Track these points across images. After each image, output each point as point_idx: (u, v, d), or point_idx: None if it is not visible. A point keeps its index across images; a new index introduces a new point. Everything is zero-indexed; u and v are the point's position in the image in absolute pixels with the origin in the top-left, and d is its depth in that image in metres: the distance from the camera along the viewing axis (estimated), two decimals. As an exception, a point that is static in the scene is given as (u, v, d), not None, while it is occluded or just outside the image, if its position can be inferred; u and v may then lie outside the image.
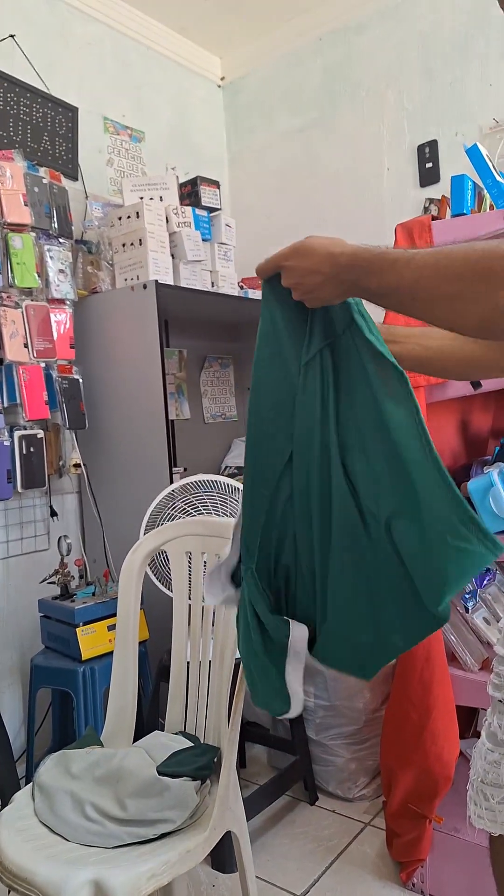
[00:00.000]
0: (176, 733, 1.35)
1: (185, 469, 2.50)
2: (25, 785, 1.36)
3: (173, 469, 2.10)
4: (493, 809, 1.02)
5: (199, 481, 1.83)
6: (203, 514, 1.79)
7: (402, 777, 1.51)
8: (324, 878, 1.62)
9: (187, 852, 1.08)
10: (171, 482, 2.03)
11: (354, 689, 1.91)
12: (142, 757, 1.21)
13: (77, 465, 2.20)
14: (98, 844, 1.08)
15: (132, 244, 2.23)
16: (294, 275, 0.84)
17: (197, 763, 1.20)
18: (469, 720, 1.78)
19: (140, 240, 2.18)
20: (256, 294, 2.48)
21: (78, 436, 2.22)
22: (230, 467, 2.79)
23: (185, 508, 1.82)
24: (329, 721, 1.93)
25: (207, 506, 1.83)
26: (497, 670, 1.03)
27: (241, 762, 2.12)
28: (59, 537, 1.99)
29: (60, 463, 2.24)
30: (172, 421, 2.62)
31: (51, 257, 2.16)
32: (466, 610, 1.53)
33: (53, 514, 2.22)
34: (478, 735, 1.08)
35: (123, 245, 2.25)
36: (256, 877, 1.46)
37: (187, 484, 1.83)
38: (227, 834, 1.21)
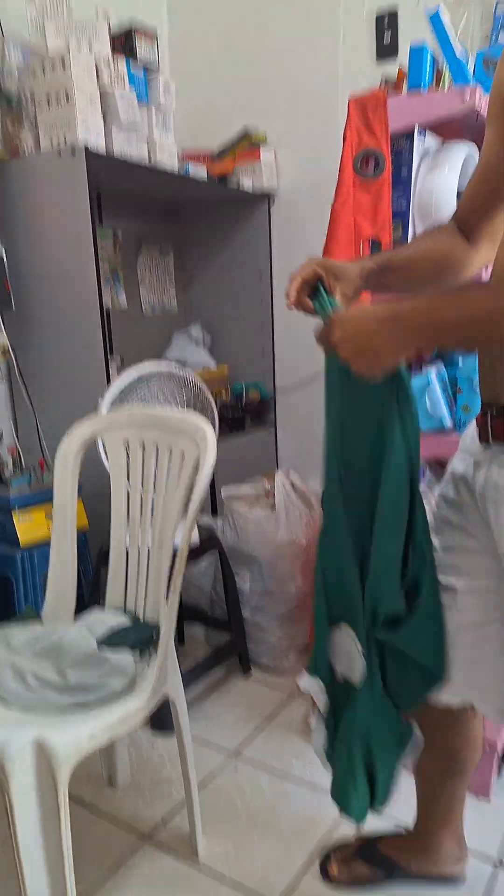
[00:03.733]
0: (115, 611, 1.45)
1: (123, 359, 2.50)
2: (-32, 662, 1.45)
3: (109, 359, 2.10)
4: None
5: (157, 373, 1.86)
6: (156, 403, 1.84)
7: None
8: (254, 739, 1.84)
9: (127, 715, 1.21)
10: (108, 373, 2.05)
11: (288, 575, 2.07)
12: (82, 632, 1.31)
13: (6, 351, 2.18)
14: (40, 709, 1.19)
15: (57, 100, 2.08)
16: (348, 347, 0.95)
17: (136, 637, 1.32)
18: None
19: (67, 94, 2.04)
20: (199, 171, 2.39)
21: (4, 319, 2.18)
22: (170, 362, 2.79)
23: (134, 397, 1.85)
24: (264, 603, 2.10)
25: (157, 396, 1.87)
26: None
27: (180, 639, 2.30)
28: (-9, 425, 2.01)
29: (-12, 348, 2.20)
30: (108, 310, 2.58)
31: (-34, 113, 2.01)
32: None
33: (-17, 401, 2.21)
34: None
35: (48, 100, 2.09)
36: (193, 738, 1.64)
37: (143, 375, 1.86)
38: (166, 700, 1.35)
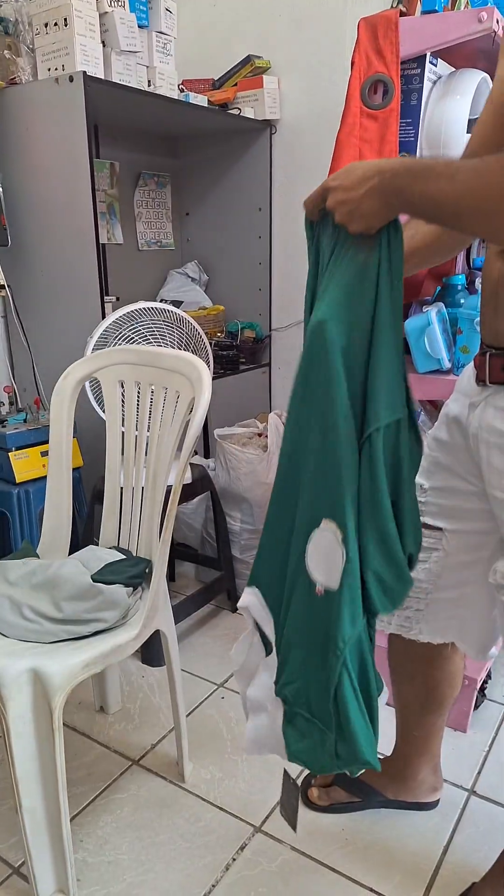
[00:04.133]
0: (110, 548, 1.46)
1: (118, 298, 2.44)
2: (-35, 592, 1.46)
3: (105, 298, 2.05)
4: (391, 613, 1.19)
5: (145, 308, 1.81)
6: (150, 343, 1.81)
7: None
8: (242, 671, 1.88)
9: (119, 646, 1.22)
10: (103, 311, 2.00)
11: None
12: (77, 566, 1.32)
13: (1, 287, 2.12)
14: (36, 640, 1.21)
15: (55, 24, 1.97)
16: (339, 192, 0.85)
17: (129, 572, 1.32)
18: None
19: (65, 19, 1.93)
20: (199, 100, 2.28)
21: (0, 254, 2.11)
22: (166, 301, 2.73)
23: (131, 337, 1.81)
24: (253, 542, 2.12)
25: (155, 335, 1.83)
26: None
27: (171, 577, 2.33)
28: (-14, 362, 1.97)
29: (-17, 283, 2.14)
30: (103, 245, 2.51)
31: (-40, 36, 1.90)
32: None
33: (-22, 337, 2.17)
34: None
35: (46, 25, 1.98)
36: (182, 670, 1.68)
37: (132, 311, 1.81)
38: (157, 633, 1.37)
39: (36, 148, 2.02)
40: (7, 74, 2.08)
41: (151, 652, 1.88)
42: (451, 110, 1.41)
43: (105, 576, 1.30)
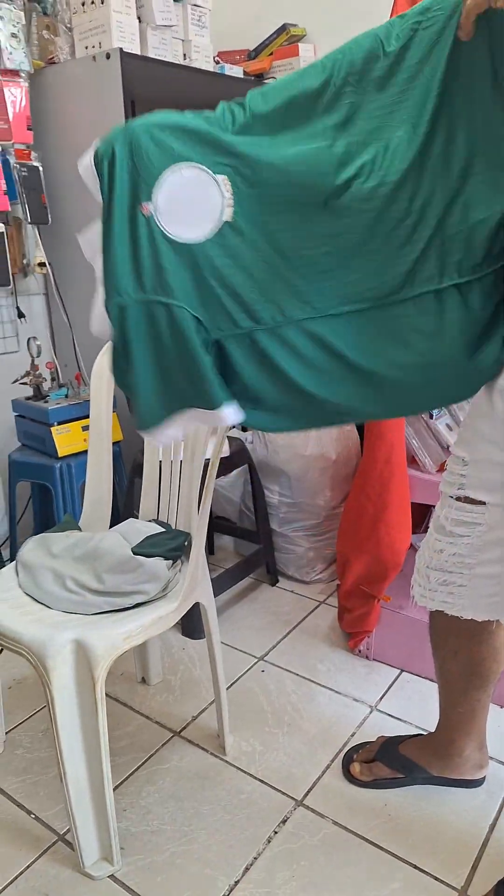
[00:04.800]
0: (150, 521, 1.42)
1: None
2: (9, 565, 1.44)
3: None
4: (433, 589, 1.12)
5: None
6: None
7: (355, 562, 1.65)
8: (281, 644, 1.83)
9: (159, 618, 1.18)
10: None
11: (317, 488, 2.01)
12: (118, 539, 1.28)
13: (42, 265, 2.08)
14: (78, 611, 1.18)
15: (92, 2, 1.91)
16: None
17: (169, 545, 1.28)
18: (423, 518, 1.91)
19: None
20: (234, 71, 2.19)
21: (41, 232, 2.07)
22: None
23: None
24: (292, 516, 2.06)
25: None
26: (450, 468, 1.08)
27: (210, 549, 2.29)
28: (28, 339, 1.94)
29: (24, 261, 2.10)
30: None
31: (0, 17, 1.85)
32: (431, 416, 1.57)
33: (21, 315, 2.14)
34: (427, 530, 1.15)
35: (83, 4, 1.93)
36: (222, 642, 1.63)
37: None
38: (196, 606, 1.32)
39: (74, 126, 1.96)
40: (46, 54, 2.03)
41: (192, 624, 1.84)
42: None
43: (145, 548, 1.25)
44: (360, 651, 1.76)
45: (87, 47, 1.94)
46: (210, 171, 0.80)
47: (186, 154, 0.80)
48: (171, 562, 1.26)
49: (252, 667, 1.73)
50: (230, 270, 0.83)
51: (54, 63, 2.00)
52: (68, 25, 2.00)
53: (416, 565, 1.16)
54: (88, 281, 2.05)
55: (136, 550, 1.24)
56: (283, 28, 2.30)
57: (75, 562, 1.26)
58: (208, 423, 0.93)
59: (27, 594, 1.23)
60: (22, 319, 2.15)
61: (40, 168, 1.99)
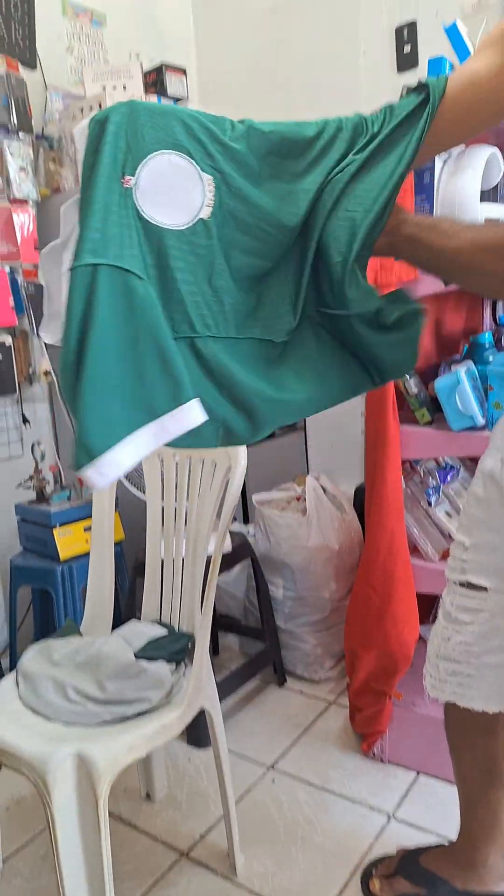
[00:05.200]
0: (152, 622, 1.39)
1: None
2: (9, 673, 1.40)
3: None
4: (443, 680, 1.09)
5: None
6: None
7: (364, 657, 1.60)
8: (291, 751, 1.74)
9: (163, 727, 1.14)
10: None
11: (321, 580, 1.98)
12: (119, 643, 1.25)
13: (47, 373, 2.15)
14: (80, 723, 1.13)
15: (95, 138, 2.09)
16: None
17: (172, 648, 1.25)
18: (430, 608, 1.88)
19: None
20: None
21: (46, 343, 2.16)
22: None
23: None
24: (297, 610, 2.01)
25: None
26: (452, 553, 1.08)
27: (214, 650, 2.22)
28: (33, 444, 1.98)
29: (30, 370, 2.18)
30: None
31: (11, 154, 2.02)
32: (430, 504, 1.58)
33: (25, 421, 2.19)
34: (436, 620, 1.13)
35: (86, 139, 2.11)
36: (229, 751, 1.55)
37: None
38: (202, 713, 1.28)
39: (77, 245, 2.09)
40: (52, 183, 2.20)
41: (197, 732, 1.76)
42: (464, 186, 1.41)
43: (148, 652, 1.23)
44: (374, 754, 1.67)
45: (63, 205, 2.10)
46: (198, 168, 0.80)
47: (181, 143, 0.79)
48: (174, 665, 1.22)
49: (262, 777, 1.64)
50: (190, 268, 0.81)
51: (60, 192, 2.17)
52: (73, 158, 2.17)
53: (427, 654, 1.14)
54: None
55: (139, 654, 1.21)
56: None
57: (77, 669, 1.23)
58: (169, 435, 0.78)
59: (27, 706, 1.19)
60: (26, 425, 2.20)
61: (45, 284, 2.11)
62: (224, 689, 1.79)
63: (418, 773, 1.61)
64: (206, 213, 0.81)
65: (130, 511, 1.92)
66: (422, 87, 0.86)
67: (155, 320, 0.76)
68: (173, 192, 0.79)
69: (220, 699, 1.37)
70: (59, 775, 1.03)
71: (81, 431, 0.73)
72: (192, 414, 0.78)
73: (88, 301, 0.73)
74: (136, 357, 0.75)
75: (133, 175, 0.76)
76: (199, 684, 1.22)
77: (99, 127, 0.76)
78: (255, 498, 2.14)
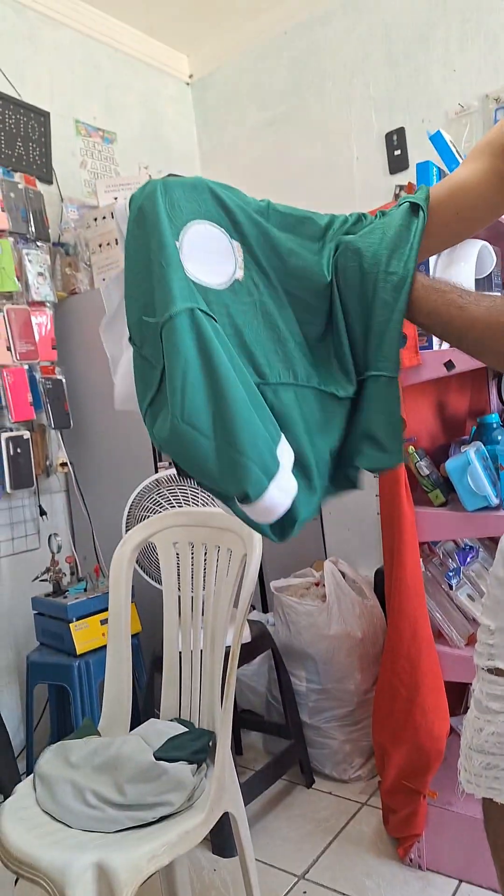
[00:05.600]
0: (171, 720, 1.36)
1: (171, 463, 2.51)
2: (25, 779, 1.37)
3: (159, 463, 2.11)
4: (478, 774, 1.04)
5: (172, 475, 1.84)
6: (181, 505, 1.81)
7: (394, 754, 1.54)
8: (323, 858, 1.65)
9: (186, 833, 1.10)
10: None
11: (346, 671, 1.93)
12: (139, 743, 1.22)
13: (64, 464, 2.21)
14: (99, 829, 1.10)
15: (108, 244, 2.24)
16: None
17: (193, 747, 1.22)
18: (461, 697, 1.82)
19: (116, 239, 2.20)
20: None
21: (63, 435, 2.23)
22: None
23: (159, 501, 1.83)
24: (322, 704, 1.95)
25: (180, 498, 1.84)
26: (479, 638, 1.06)
27: (238, 749, 2.14)
28: (50, 536, 2.00)
29: (47, 462, 2.25)
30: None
31: (29, 261, 2.17)
32: (451, 587, 1.56)
33: (42, 513, 2.23)
34: (468, 710, 1.10)
35: (100, 245, 2.26)
36: (256, 859, 1.48)
37: (160, 478, 1.84)
38: (226, 818, 1.23)
39: (95, 342, 2.20)
40: (69, 286, 2.34)
41: (222, 839, 1.67)
42: (458, 276, 1.49)
43: (167, 752, 1.20)
44: (411, 860, 1.58)
45: (104, 279, 2.23)
46: (227, 235, 0.86)
47: (211, 214, 0.85)
48: (195, 766, 1.19)
49: (293, 888, 1.55)
50: (243, 320, 0.84)
51: (76, 293, 2.30)
52: (87, 263, 2.32)
53: (460, 747, 1.10)
54: (107, 476, 2.18)
55: (159, 755, 1.18)
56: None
57: (95, 772, 1.20)
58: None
59: (45, 811, 1.15)
60: (43, 517, 2.24)
61: (63, 380, 2.21)
62: (249, 792, 1.72)
63: (461, 881, 1.51)
64: (239, 274, 0.86)
65: (147, 601, 1.91)
66: (411, 203, 0.93)
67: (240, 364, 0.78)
68: (210, 256, 0.85)
69: (246, 802, 1.32)
70: (79, 888, 0.99)
71: (249, 450, 0.70)
72: (286, 451, 0.78)
73: (198, 337, 0.74)
74: (253, 396, 0.76)
75: (178, 239, 0.82)
76: (221, 786, 1.18)
77: (144, 202, 0.82)
78: (273, 585, 2.13)
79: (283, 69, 2.72)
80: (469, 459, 1.41)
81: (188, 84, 3.05)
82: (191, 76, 3.04)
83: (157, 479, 1.84)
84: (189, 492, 1.82)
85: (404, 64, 2.40)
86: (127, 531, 1.76)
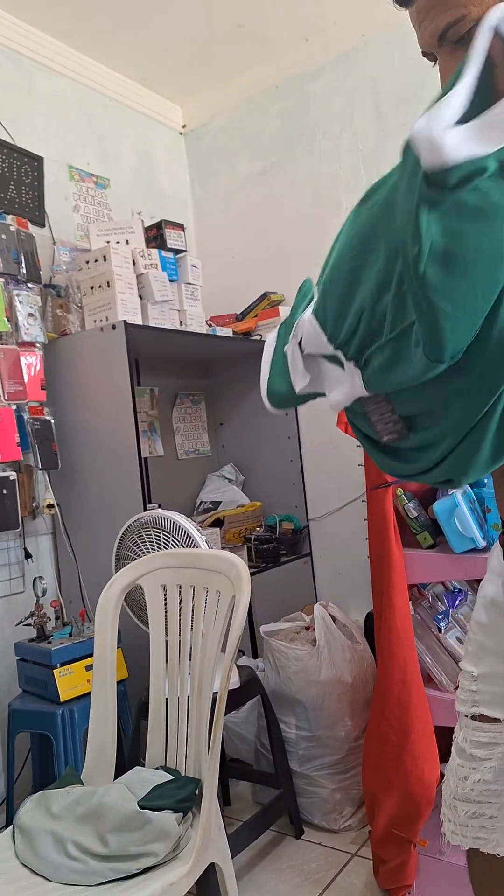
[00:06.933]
0: (157, 768, 1.36)
1: (160, 505, 2.53)
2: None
3: (148, 506, 2.13)
4: (464, 824, 1.05)
5: (151, 518, 1.84)
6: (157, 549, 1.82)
7: (384, 802, 1.54)
8: (313, 914, 1.62)
9: (170, 885, 1.09)
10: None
11: (336, 717, 1.93)
12: (122, 792, 1.22)
13: (51, 506, 2.23)
14: (80, 882, 1.09)
15: (100, 286, 2.30)
16: None
17: (178, 795, 1.22)
18: (450, 743, 1.81)
19: (108, 282, 2.26)
20: (224, 331, 2.56)
21: (51, 476, 2.26)
22: (205, 502, 2.83)
23: (137, 542, 1.83)
24: (312, 752, 1.94)
25: (162, 541, 1.84)
26: (461, 684, 1.08)
27: (226, 800, 2.11)
28: (35, 579, 2.01)
29: (34, 504, 2.26)
30: (146, 458, 2.66)
31: (20, 302, 2.22)
32: (440, 630, 1.58)
33: (28, 556, 2.23)
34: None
35: (92, 288, 2.32)
36: (244, 914, 1.46)
37: (141, 520, 1.84)
38: (213, 869, 1.22)
39: (83, 384, 2.25)
40: (59, 327, 2.40)
41: (208, 891, 1.64)
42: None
43: (152, 801, 1.20)
44: (403, 915, 1.56)
45: (95, 321, 2.29)
46: None
47: None
48: (181, 815, 1.19)
49: None
50: None
51: (66, 334, 2.35)
52: (79, 305, 2.39)
53: (443, 796, 1.10)
54: (95, 518, 2.19)
55: (143, 804, 1.18)
56: (265, 295, 2.75)
57: (77, 822, 1.20)
58: None
59: (24, 864, 1.14)
60: (28, 560, 2.24)
61: (52, 421, 2.24)
62: (237, 843, 1.70)
63: (453, 937, 1.49)
64: None
65: (133, 646, 1.91)
66: None
67: None
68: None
69: (233, 854, 1.31)
70: None
71: None
72: None
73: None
74: None
75: None
76: (207, 835, 1.18)
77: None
78: (263, 629, 2.13)
79: (274, 121, 2.85)
80: (456, 502, 1.45)
81: (181, 133, 3.18)
82: (184, 126, 3.17)
83: (141, 519, 1.85)
84: (157, 537, 1.82)
85: (391, 117, 2.52)
86: (116, 567, 1.77)
